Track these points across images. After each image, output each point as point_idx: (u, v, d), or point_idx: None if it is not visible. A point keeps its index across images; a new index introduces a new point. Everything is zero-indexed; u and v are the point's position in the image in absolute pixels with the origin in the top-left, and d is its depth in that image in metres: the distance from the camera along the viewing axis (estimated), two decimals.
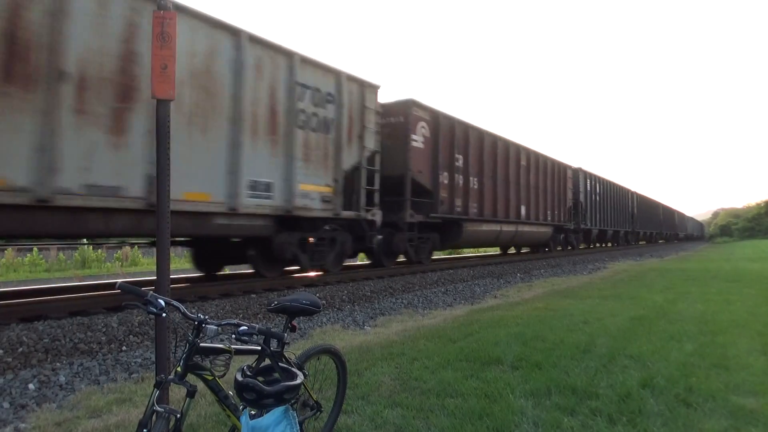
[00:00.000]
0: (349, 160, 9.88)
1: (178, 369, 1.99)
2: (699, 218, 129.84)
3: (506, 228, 16.95)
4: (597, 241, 31.09)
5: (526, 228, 18.77)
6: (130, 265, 19.03)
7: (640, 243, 43.86)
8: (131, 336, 5.53)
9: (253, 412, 2.09)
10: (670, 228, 57.60)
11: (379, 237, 11.61)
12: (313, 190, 8.88)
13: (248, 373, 2.09)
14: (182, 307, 2.04)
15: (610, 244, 34.09)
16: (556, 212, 21.24)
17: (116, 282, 2.10)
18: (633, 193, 37.66)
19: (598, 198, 27.83)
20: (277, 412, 2.06)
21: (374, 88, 10.57)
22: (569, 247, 25.09)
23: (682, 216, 71.34)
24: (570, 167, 23.73)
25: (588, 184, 26.03)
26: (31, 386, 4.11)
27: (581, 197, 24.83)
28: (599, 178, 28.47)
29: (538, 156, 19.72)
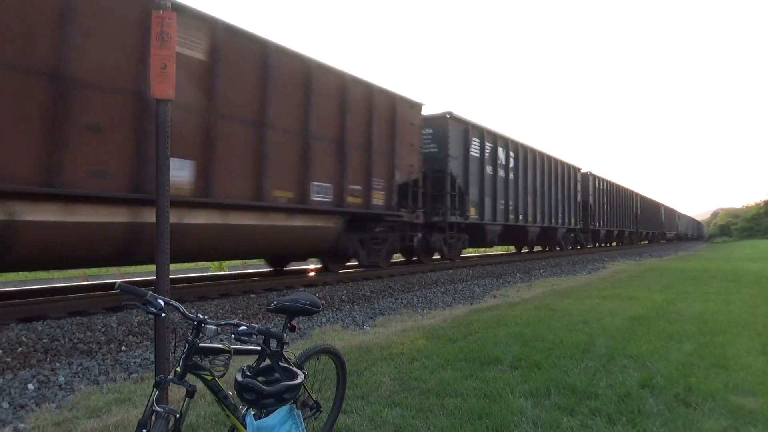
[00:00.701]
0: None
1: (178, 369, 1.99)
2: (698, 218, 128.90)
3: (55, 218, 5.62)
4: (507, 242, 19.52)
5: (209, 218, 7.33)
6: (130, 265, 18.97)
7: (612, 245, 32.85)
8: (130, 336, 5.53)
9: (254, 412, 2.09)
10: (653, 225, 44.25)
11: None
12: None
13: (248, 373, 2.09)
14: (181, 307, 2.04)
15: (536, 249, 22.63)
16: (360, 187, 10.18)
17: (116, 282, 2.10)
18: (587, 175, 24.93)
19: (507, 174, 16.61)
20: (282, 411, 2.06)
21: None
22: (444, 258, 14.37)
23: (671, 212, 57.34)
24: (413, 103, 11.88)
25: (477, 147, 14.72)
26: (30, 386, 4.11)
27: (454, 168, 13.52)
28: (510, 140, 16.76)
29: (262, 44, 7.86)
